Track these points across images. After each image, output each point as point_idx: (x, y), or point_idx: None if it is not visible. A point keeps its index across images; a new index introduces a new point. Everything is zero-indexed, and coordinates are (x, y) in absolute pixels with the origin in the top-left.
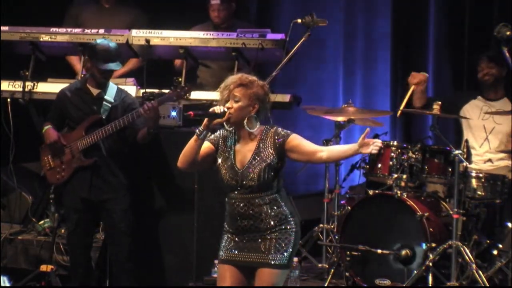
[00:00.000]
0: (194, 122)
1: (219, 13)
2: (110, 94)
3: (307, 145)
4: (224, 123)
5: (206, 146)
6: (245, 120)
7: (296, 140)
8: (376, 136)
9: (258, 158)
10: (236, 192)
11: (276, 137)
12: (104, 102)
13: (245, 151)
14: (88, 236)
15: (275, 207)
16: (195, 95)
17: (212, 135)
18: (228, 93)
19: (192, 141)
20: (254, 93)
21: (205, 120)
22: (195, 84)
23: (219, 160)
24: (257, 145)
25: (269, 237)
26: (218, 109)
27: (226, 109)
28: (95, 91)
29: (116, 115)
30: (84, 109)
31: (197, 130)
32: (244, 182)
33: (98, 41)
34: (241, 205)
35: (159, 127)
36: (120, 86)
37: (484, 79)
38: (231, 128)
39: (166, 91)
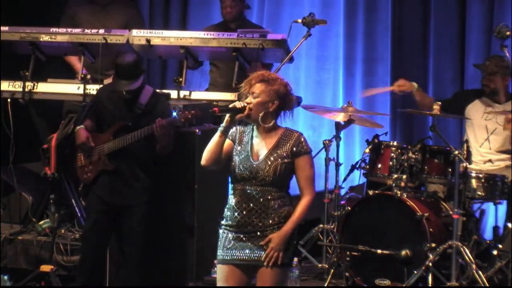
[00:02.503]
0: (194, 122)
1: (232, 9)
2: (143, 100)
3: (305, 177)
4: (245, 118)
5: (227, 142)
6: (261, 114)
7: (305, 163)
8: (376, 137)
9: (275, 154)
10: (246, 184)
11: (297, 143)
12: (136, 108)
13: (262, 145)
14: (106, 237)
15: (283, 205)
16: (195, 95)
17: (230, 131)
18: (248, 88)
19: (216, 138)
20: (275, 90)
21: (228, 116)
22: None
23: (234, 151)
24: (277, 142)
25: (270, 235)
26: (238, 104)
27: (246, 104)
28: (128, 96)
29: (146, 122)
30: (115, 113)
31: (220, 126)
32: (259, 174)
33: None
34: (249, 197)
35: (171, 147)
36: (157, 91)
37: (483, 88)
38: (251, 124)
39: (166, 91)
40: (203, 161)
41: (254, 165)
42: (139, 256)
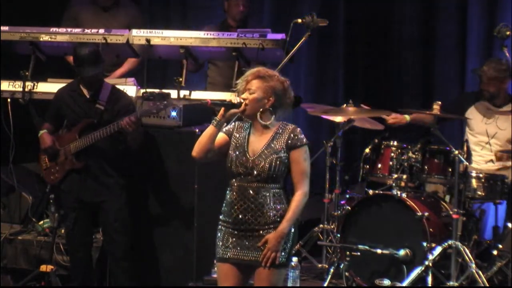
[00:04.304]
0: (195, 122)
1: (244, 9)
2: (103, 96)
3: (299, 171)
4: (240, 114)
5: (221, 136)
6: (259, 112)
7: (300, 156)
8: (376, 137)
9: (270, 149)
10: (242, 180)
11: (292, 136)
12: (97, 105)
13: (258, 141)
14: (87, 235)
15: (278, 202)
16: (196, 95)
17: (227, 126)
18: (245, 85)
19: (208, 130)
20: (271, 86)
21: (222, 109)
22: (205, 83)
23: (231, 147)
24: (272, 137)
25: (266, 235)
26: (234, 99)
27: (242, 100)
28: (88, 93)
29: (109, 118)
30: (77, 111)
31: (213, 119)
32: (254, 171)
33: (77, 47)
34: (245, 193)
35: (142, 137)
36: (117, 86)
37: (483, 92)
38: (248, 120)
39: (166, 91)
40: (193, 153)
41: (250, 161)
42: (122, 256)
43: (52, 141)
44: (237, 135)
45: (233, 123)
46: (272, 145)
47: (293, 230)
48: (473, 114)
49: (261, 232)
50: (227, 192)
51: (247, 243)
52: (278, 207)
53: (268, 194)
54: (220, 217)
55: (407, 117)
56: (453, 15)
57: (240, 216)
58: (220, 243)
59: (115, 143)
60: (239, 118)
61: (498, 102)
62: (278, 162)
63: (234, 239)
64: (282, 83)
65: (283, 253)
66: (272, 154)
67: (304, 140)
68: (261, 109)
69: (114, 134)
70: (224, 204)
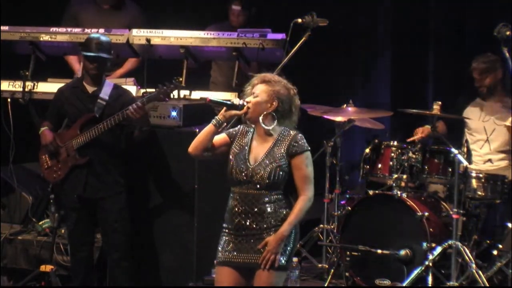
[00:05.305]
0: (195, 122)
1: (238, 18)
2: (106, 92)
3: (302, 177)
4: (242, 117)
5: (222, 137)
6: (262, 116)
7: (301, 163)
8: (376, 137)
9: (271, 157)
10: (243, 187)
11: (293, 143)
12: (99, 100)
13: (260, 148)
14: (88, 235)
15: (279, 208)
16: (196, 94)
17: (232, 129)
18: (251, 89)
19: (207, 128)
20: (275, 91)
21: (223, 109)
22: (207, 83)
23: (232, 153)
24: (272, 144)
25: (267, 238)
26: (236, 101)
27: (245, 103)
28: (91, 89)
29: (111, 113)
30: (79, 107)
31: (213, 119)
32: (254, 179)
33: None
34: (246, 200)
35: (150, 125)
36: (118, 84)
37: (480, 90)
38: (251, 125)
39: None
40: (190, 148)
41: (250, 169)
42: (121, 257)
43: (52, 138)
44: (240, 140)
45: (237, 127)
46: (273, 153)
47: (294, 233)
48: (470, 114)
49: (261, 235)
50: (229, 199)
51: (247, 245)
52: (279, 212)
53: (269, 200)
54: (223, 224)
55: (428, 127)
56: (452, 15)
57: (242, 222)
58: (221, 248)
59: (117, 140)
60: (238, 120)
61: (494, 98)
62: (277, 170)
63: (234, 244)
64: (288, 89)
65: (283, 256)
66: (272, 163)
67: (305, 146)
68: (264, 113)
69: (116, 130)
70: (226, 212)
